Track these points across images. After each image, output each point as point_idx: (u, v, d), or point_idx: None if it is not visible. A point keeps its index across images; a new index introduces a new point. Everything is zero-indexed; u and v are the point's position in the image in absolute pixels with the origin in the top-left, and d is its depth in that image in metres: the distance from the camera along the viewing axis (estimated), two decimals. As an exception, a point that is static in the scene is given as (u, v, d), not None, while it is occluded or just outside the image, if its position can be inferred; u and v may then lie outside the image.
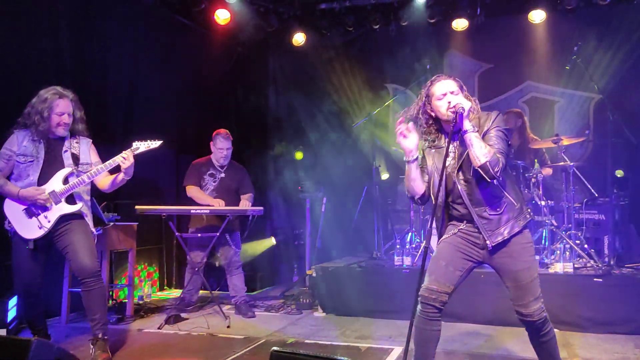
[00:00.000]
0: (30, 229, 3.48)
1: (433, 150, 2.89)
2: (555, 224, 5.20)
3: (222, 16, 6.42)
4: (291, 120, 7.46)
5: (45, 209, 3.48)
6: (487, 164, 2.59)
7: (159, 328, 4.46)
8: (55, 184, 3.52)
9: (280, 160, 7.26)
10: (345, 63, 7.22)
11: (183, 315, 4.83)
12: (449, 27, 6.62)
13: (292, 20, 6.95)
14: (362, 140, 6.93)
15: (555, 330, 4.36)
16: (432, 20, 6.52)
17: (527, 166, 5.35)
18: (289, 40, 7.03)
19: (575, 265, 4.81)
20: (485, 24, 6.54)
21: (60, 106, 3.53)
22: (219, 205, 4.84)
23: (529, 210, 2.84)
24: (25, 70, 4.52)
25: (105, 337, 3.53)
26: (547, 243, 5.14)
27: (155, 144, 3.77)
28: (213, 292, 5.23)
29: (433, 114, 2.82)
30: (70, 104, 3.58)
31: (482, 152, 2.60)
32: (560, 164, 5.29)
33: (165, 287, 6.41)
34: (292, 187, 6.71)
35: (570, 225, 5.15)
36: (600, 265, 4.78)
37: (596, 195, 5.44)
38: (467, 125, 2.65)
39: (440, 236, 2.91)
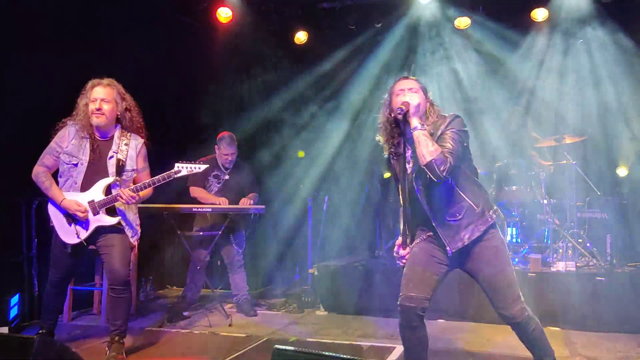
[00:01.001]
0: (69, 234, 3.48)
1: (396, 158, 2.85)
2: (557, 222, 5.19)
3: (223, 14, 6.42)
4: (294, 119, 7.45)
5: (84, 219, 3.46)
6: (433, 162, 2.52)
7: (160, 326, 4.47)
8: (96, 193, 3.47)
9: (283, 159, 7.26)
10: (347, 61, 7.21)
11: (185, 313, 4.84)
12: (452, 26, 6.60)
13: (293, 19, 6.94)
14: (363, 139, 6.93)
15: (557, 328, 4.41)
16: (434, 19, 6.50)
17: (529, 164, 5.34)
18: (291, 38, 7.03)
19: (578, 264, 4.81)
20: (486, 22, 6.52)
21: (94, 92, 3.48)
22: (223, 203, 4.83)
23: (496, 211, 2.72)
24: (28, 73, 4.51)
25: (122, 341, 3.54)
26: (549, 242, 5.14)
27: (199, 168, 3.60)
28: (215, 290, 5.23)
29: (392, 115, 2.75)
30: (106, 90, 3.49)
31: (427, 149, 2.54)
32: (563, 162, 5.28)
33: (167, 286, 6.41)
34: (293, 186, 6.71)
35: (572, 223, 5.14)
36: (602, 264, 4.78)
37: (599, 193, 5.43)
38: (414, 122, 2.61)
39: (411, 240, 2.87)
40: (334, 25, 6.92)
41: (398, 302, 2.75)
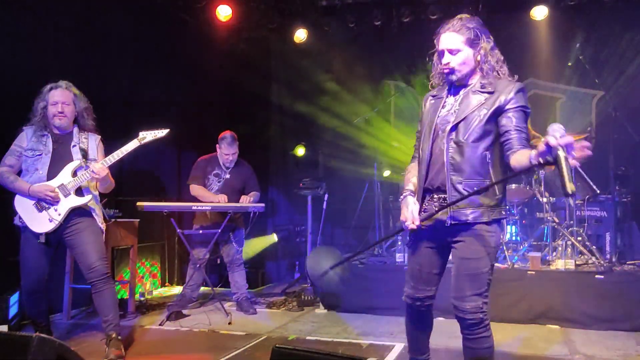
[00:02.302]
0: (41, 222, 3.49)
1: (432, 100, 2.65)
2: (556, 220, 5.19)
3: (223, 13, 6.41)
4: (293, 117, 7.45)
5: (55, 202, 3.49)
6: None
7: (160, 324, 4.47)
8: (64, 177, 3.54)
9: (282, 157, 7.26)
10: (347, 59, 7.21)
11: (184, 311, 4.84)
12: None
13: (293, 17, 6.94)
14: (363, 136, 6.93)
15: (556, 326, 4.41)
16: (434, 17, 6.50)
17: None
18: (291, 36, 7.02)
19: (577, 262, 4.81)
20: (486, 21, 6.51)
21: (54, 96, 3.57)
22: (222, 201, 4.82)
23: (507, 210, 2.61)
24: (26, 70, 4.50)
25: (119, 337, 3.54)
26: (548, 240, 5.14)
27: (161, 132, 3.75)
28: (214, 288, 5.23)
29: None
30: (64, 94, 3.60)
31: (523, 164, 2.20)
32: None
33: (166, 284, 6.42)
34: (293, 184, 6.70)
35: (572, 222, 5.14)
36: (601, 262, 4.78)
37: (598, 192, 5.43)
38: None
39: (418, 200, 2.58)
40: (333, 24, 6.92)
41: (403, 297, 2.69)
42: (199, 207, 4.74)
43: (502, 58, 2.57)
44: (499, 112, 2.40)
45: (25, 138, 3.58)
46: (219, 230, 4.71)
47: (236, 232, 5.07)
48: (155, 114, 5.97)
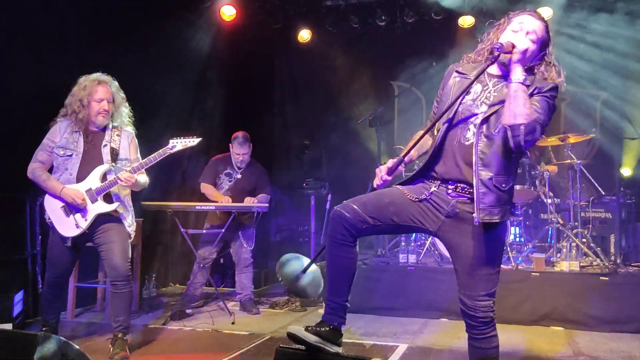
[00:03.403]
0: (68, 227, 3.47)
1: (458, 78, 2.45)
2: (561, 222, 5.18)
3: (227, 12, 6.43)
4: (296, 117, 7.46)
5: (82, 209, 3.46)
6: (521, 126, 2.12)
7: (163, 324, 4.47)
8: (93, 181, 3.48)
9: (285, 157, 7.27)
10: (351, 60, 7.21)
11: (188, 311, 4.84)
12: (456, 24, 6.59)
13: (297, 17, 6.94)
14: (366, 137, 6.93)
15: (561, 328, 4.40)
16: (438, 17, 6.50)
17: (533, 164, 5.33)
18: (295, 36, 7.03)
19: (582, 264, 4.80)
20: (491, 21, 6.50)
21: (99, 92, 3.48)
22: (226, 202, 4.84)
23: (514, 206, 2.47)
24: (34, 69, 4.52)
25: (126, 338, 3.54)
26: (553, 241, 5.13)
27: (192, 142, 3.64)
28: (218, 288, 5.24)
29: (492, 44, 2.34)
30: (110, 91, 3.52)
31: (522, 110, 2.13)
32: (567, 161, 5.26)
33: (169, 283, 6.42)
34: (297, 184, 6.71)
35: (576, 223, 5.12)
36: (606, 264, 4.77)
37: (603, 193, 5.42)
38: (517, 72, 2.19)
39: (405, 182, 2.49)
40: (337, 24, 6.92)
41: (336, 208, 2.39)
42: (203, 207, 4.75)
43: (558, 69, 2.40)
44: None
45: (59, 132, 3.50)
46: (223, 230, 4.72)
47: (245, 231, 5.07)
48: (160, 113, 5.98)
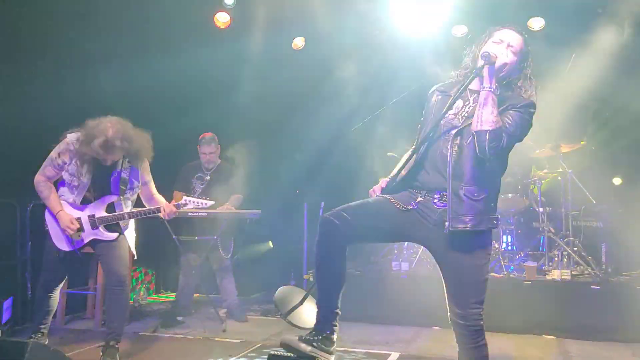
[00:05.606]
0: (62, 241, 3.47)
1: (440, 97, 2.54)
2: (553, 230, 5.21)
3: (222, 19, 6.43)
4: (291, 123, 7.45)
5: (80, 229, 3.44)
6: (487, 132, 2.22)
7: (154, 331, 4.44)
8: (97, 209, 3.48)
9: (278, 163, 7.25)
10: (345, 66, 7.22)
11: (179, 318, 4.81)
12: (449, 33, 6.63)
13: (292, 24, 6.95)
14: (361, 143, 6.93)
15: (552, 337, 4.40)
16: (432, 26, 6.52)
17: (525, 172, 5.36)
18: (289, 43, 7.04)
19: (573, 273, 4.82)
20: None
21: (110, 131, 3.30)
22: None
23: (497, 218, 2.44)
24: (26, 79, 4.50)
25: (117, 346, 3.51)
26: (544, 250, 5.15)
27: (205, 203, 3.70)
28: (209, 295, 5.20)
29: (475, 57, 2.45)
30: (122, 139, 3.34)
31: (488, 117, 2.23)
32: (559, 170, 5.29)
33: (161, 290, 6.38)
34: (290, 190, 6.69)
35: (568, 232, 5.15)
36: (597, 273, 4.79)
37: (594, 202, 5.45)
38: (487, 82, 2.29)
39: (390, 192, 2.53)
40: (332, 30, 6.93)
41: (326, 214, 2.45)
42: (195, 214, 4.71)
43: (535, 85, 2.47)
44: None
45: (69, 155, 3.40)
46: (216, 237, 4.69)
47: (226, 239, 5.01)
48: (152, 119, 5.95)
